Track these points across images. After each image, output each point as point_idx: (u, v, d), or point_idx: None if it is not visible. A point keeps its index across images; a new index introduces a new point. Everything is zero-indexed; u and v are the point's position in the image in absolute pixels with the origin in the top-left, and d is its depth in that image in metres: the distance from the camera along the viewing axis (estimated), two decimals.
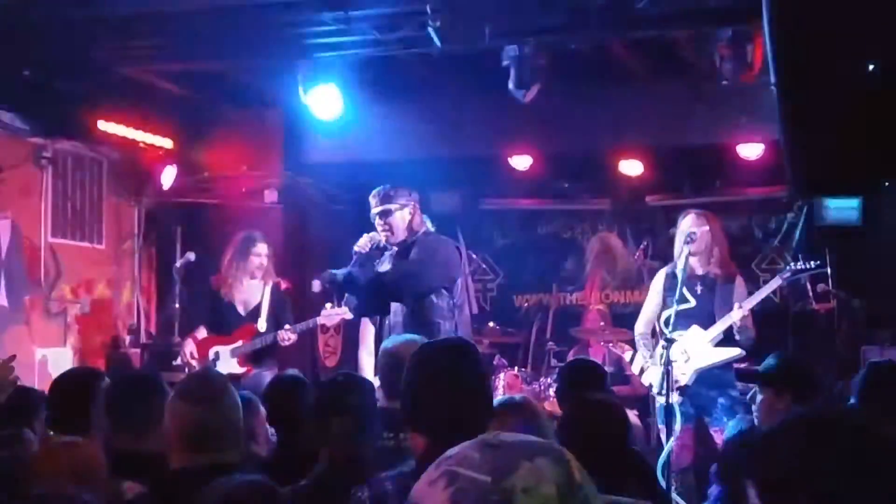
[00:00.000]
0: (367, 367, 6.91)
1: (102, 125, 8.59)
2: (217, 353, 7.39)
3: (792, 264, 6.79)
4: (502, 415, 3.41)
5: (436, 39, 6.86)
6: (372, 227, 6.55)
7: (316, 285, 6.77)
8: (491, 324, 9.14)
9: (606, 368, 7.61)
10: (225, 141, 9.48)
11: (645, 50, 7.97)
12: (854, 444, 1.74)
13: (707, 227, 6.61)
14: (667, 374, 6.26)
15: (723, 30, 6.84)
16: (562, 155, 9.54)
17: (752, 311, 6.53)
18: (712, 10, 6.54)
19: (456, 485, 1.39)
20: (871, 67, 7.30)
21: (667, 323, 6.50)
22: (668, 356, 6.33)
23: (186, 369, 7.37)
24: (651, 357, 6.72)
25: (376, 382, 4.60)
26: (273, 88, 8.93)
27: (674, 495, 5.74)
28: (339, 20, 6.90)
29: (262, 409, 4.88)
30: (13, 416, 4.62)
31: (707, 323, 6.51)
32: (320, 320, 7.42)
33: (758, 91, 7.44)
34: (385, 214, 6.39)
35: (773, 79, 7.33)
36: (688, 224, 6.63)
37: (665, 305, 6.70)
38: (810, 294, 9.00)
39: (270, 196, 9.47)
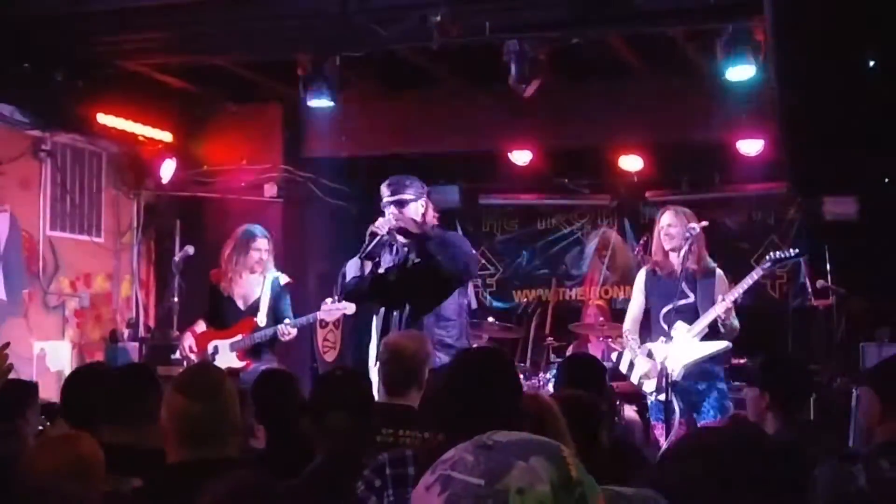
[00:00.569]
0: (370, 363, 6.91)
1: (101, 118, 8.59)
2: (216, 347, 7.39)
3: (771, 254, 6.78)
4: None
5: (436, 33, 6.85)
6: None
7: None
8: (490, 319, 9.12)
9: (605, 364, 7.63)
10: (224, 135, 9.48)
11: (645, 45, 7.96)
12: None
13: (684, 225, 6.60)
14: (664, 369, 6.27)
15: (723, 25, 6.83)
16: (562, 150, 9.54)
17: (737, 304, 6.52)
18: (712, 6, 6.53)
19: (450, 490, 1.39)
20: (870, 64, 7.31)
21: (666, 319, 6.51)
22: (665, 354, 6.34)
23: (185, 363, 7.37)
24: (637, 354, 6.73)
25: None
26: (272, 82, 8.92)
27: None
28: (339, 14, 6.88)
29: None
30: (5, 408, 4.60)
31: (691, 318, 6.51)
32: (320, 315, 7.41)
33: (758, 87, 7.44)
34: (401, 204, 6.23)
35: (772, 75, 7.34)
36: (666, 220, 6.64)
37: (648, 303, 6.72)
38: (809, 290, 9.00)
39: (270, 190, 9.46)
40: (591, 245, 10.37)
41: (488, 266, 10.56)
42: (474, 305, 8.08)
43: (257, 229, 7.57)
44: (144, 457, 3.44)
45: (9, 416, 4.44)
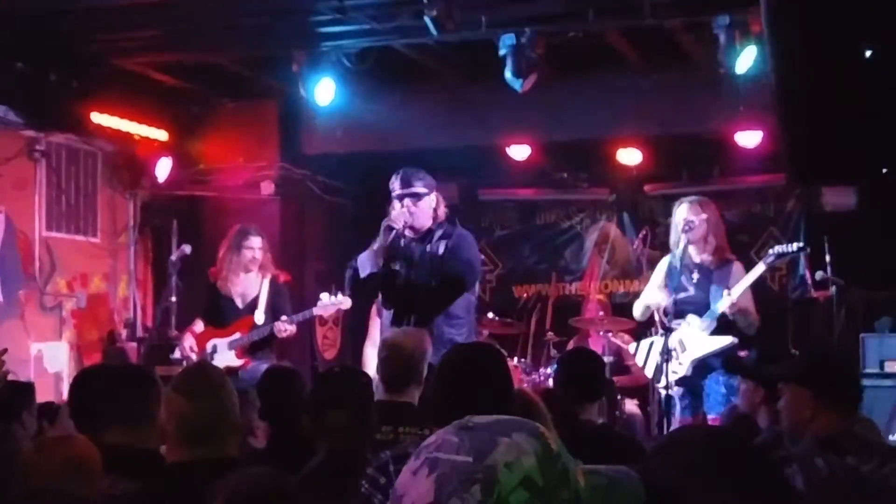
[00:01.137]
0: (372, 360, 6.88)
1: (96, 117, 8.55)
2: (215, 346, 7.38)
3: (775, 248, 6.74)
4: None
5: (432, 28, 6.83)
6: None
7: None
8: (490, 314, 9.09)
9: (606, 358, 7.62)
10: (220, 133, 9.45)
11: (642, 38, 7.93)
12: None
13: (704, 216, 6.57)
14: (665, 363, 6.24)
15: (720, 17, 6.81)
16: (560, 144, 9.51)
17: (754, 297, 6.47)
18: None
19: (438, 470, 1.42)
20: (868, 53, 7.28)
21: (666, 312, 6.47)
22: (666, 346, 6.30)
23: (185, 363, 7.35)
24: (651, 343, 6.67)
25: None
26: (269, 79, 8.89)
27: None
28: (335, 10, 6.85)
29: (259, 402, 4.86)
30: (1, 410, 4.57)
31: (704, 311, 6.48)
32: (316, 311, 7.40)
33: (756, 79, 7.41)
34: (414, 197, 6.14)
35: (770, 66, 7.32)
36: (682, 213, 6.59)
37: (668, 294, 6.66)
38: (809, 282, 8.98)
39: (267, 188, 9.43)
40: (591, 239, 10.35)
41: (488, 262, 10.53)
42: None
43: (251, 228, 7.56)
44: (145, 457, 3.42)
45: (5, 419, 4.41)
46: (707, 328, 6.36)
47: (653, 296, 6.81)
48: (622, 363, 8.68)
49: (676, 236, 6.61)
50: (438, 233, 6.23)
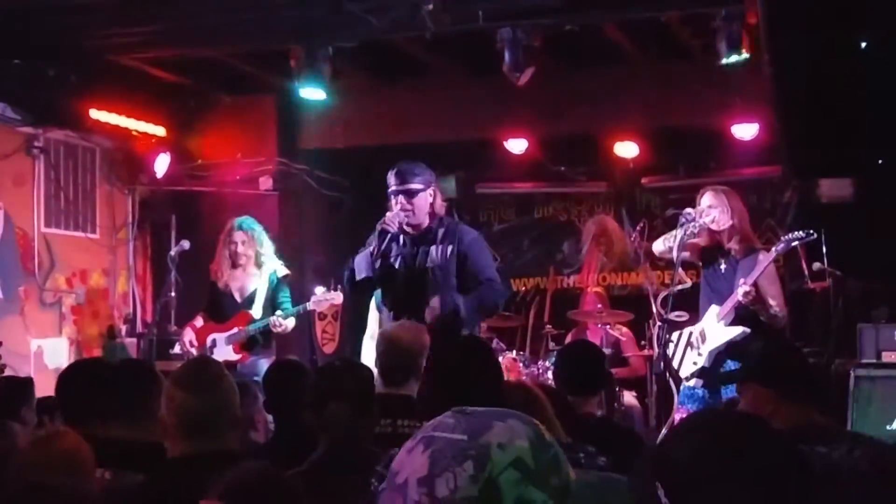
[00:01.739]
0: (370, 353, 6.88)
1: (94, 114, 8.56)
2: (213, 341, 7.41)
3: (788, 235, 6.69)
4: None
5: (429, 22, 6.83)
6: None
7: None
8: None
9: (604, 350, 7.64)
10: (219, 128, 9.45)
11: (639, 31, 7.94)
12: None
13: (725, 201, 6.46)
14: (664, 355, 6.24)
15: (717, 10, 6.81)
16: (557, 138, 9.52)
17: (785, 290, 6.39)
18: None
19: (434, 446, 1.47)
20: (863, 45, 7.30)
21: (664, 303, 6.46)
22: (665, 337, 6.30)
23: (185, 358, 7.37)
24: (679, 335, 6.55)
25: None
26: (266, 74, 8.89)
27: None
28: (331, 4, 6.86)
29: (260, 397, 4.88)
30: (1, 406, 4.59)
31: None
32: (311, 306, 7.41)
33: (752, 70, 7.42)
34: (410, 194, 5.92)
35: (766, 58, 7.33)
36: (706, 201, 6.49)
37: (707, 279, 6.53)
38: (806, 273, 9.00)
39: (265, 183, 9.44)
40: (589, 232, 10.36)
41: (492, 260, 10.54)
42: None
43: (238, 222, 7.53)
44: (145, 452, 3.44)
45: (3, 414, 4.42)
46: (726, 319, 6.32)
47: (661, 244, 6.63)
48: (620, 355, 8.70)
49: (698, 221, 6.41)
50: (440, 232, 6.03)
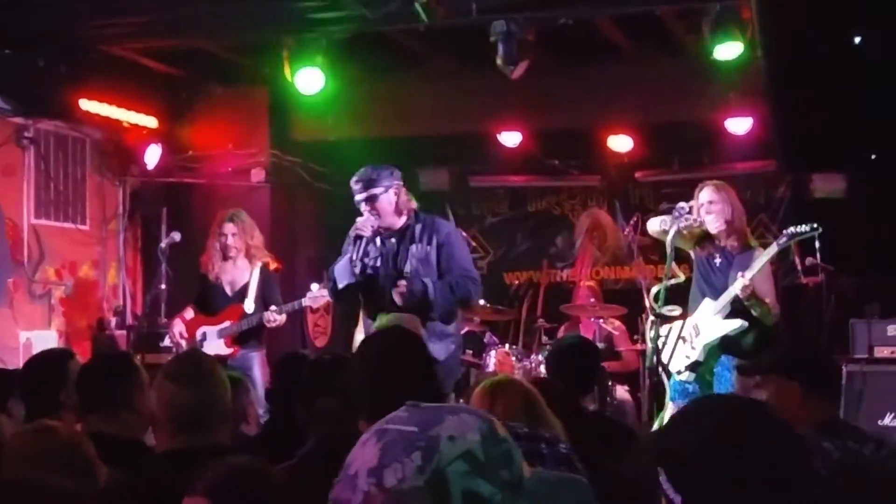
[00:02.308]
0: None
1: (85, 104, 8.51)
2: (204, 334, 7.38)
3: (790, 229, 6.67)
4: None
5: (423, 15, 6.80)
6: (358, 207, 6.35)
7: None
8: (481, 301, 9.10)
9: (597, 344, 7.62)
10: (210, 119, 9.41)
11: (633, 25, 7.93)
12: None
13: (725, 197, 6.44)
14: (656, 350, 6.22)
15: (711, 4, 6.80)
16: (551, 131, 9.51)
17: (778, 289, 6.39)
18: None
19: (385, 438, 1.50)
20: (856, 40, 7.30)
21: (656, 298, 6.44)
22: (656, 332, 6.28)
23: (175, 350, 7.35)
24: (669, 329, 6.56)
25: None
26: (259, 66, 8.86)
27: None
28: None
29: (252, 390, 4.86)
30: None
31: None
32: (306, 302, 7.39)
33: (746, 66, 7.42)
34: (371, 200, 6.02)
35: (760, 53, 7.33)
36: (706, 196, 6.46)
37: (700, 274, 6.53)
38: (799, 268, 9.00)
39: (257, 175, 9.40)
40: (582, 226, 10.36)
41: (479, 249, 10.53)
42: None
43: (230, 214, 7.51)
44: (127, 446, 3.41)
45: None
46: (721, 312, 6.30)
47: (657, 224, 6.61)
48: (613, 349, 8.70)
49: (697, 217, 6.38)
50: (418, 228, 6.08)
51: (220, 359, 6.74)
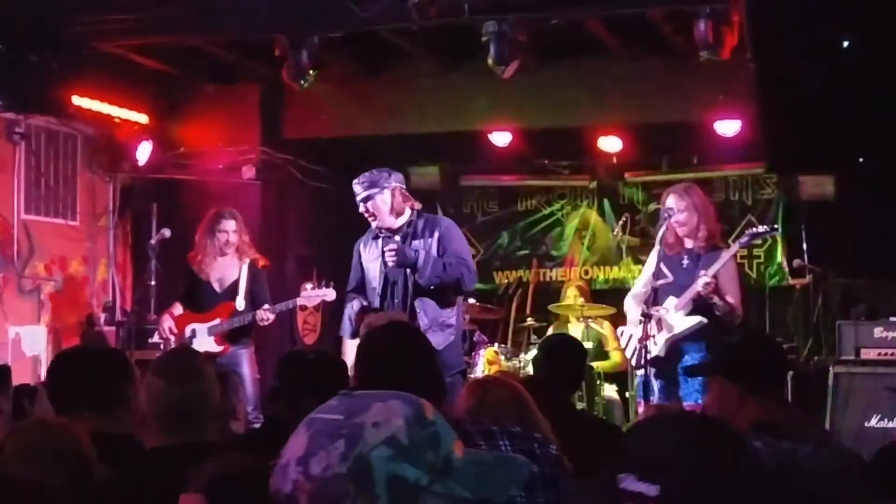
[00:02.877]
0: (351, 346, 6.89)
1: (77, 100, 8.50)
2: (193, 331, 7.37)
3: (751, 229, 6.76)
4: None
5: (415, 14, 6.82)
6: (355, 206, 6.46)
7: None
8: (471, 299, 9.12)
9: (585, 344, 7.65)
10: (202, 116, 9.40)
11: (623, 26, 7.95)
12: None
13: (687, 201, 6.54)
14: (644, 348, 6.26)
15: (701, 6, 6.83)
16: (542, 131, 9.52)
17: (743, 290, 6.47)
18: None
19: (313, 428, 1.55)
20: (845, 44, 7.34)
21: (646, 298, 6.49)
22: (645, 331, 6.32)
23: (164, 345, 7.35)
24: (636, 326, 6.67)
25: None
26: (250, 63, 8.86)
27: None
28: None
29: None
30: None
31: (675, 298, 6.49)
32: (300, 301, 7.40)
33: (735, 67, 7.45)
34: (367, 200, 6.28)
35: (749, 55, 7.36)
36: (670, 203, 6.57)
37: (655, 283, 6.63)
38: (786, 269, 9.05)
39: (248, 172, 9.40)
40: (571, 226, 10.38)
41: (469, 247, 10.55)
42: None
43: (225, 212, 7.53)
44: (120, 443, 3.42)
45: None
46: (684, 309, 6.36)
47: (642, 284, 6.77)
48: (602, 349, 8.72)
49: (670, 228, 6.54)
50: (420, 224, 6.33)
51: (210, 356, 6.75)
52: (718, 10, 6.75)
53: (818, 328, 8.55)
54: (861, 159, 8.83)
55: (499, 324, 9.66)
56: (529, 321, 9.24)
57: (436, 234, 6.26)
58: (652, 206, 9.42)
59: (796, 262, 8.51)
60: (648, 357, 6.25)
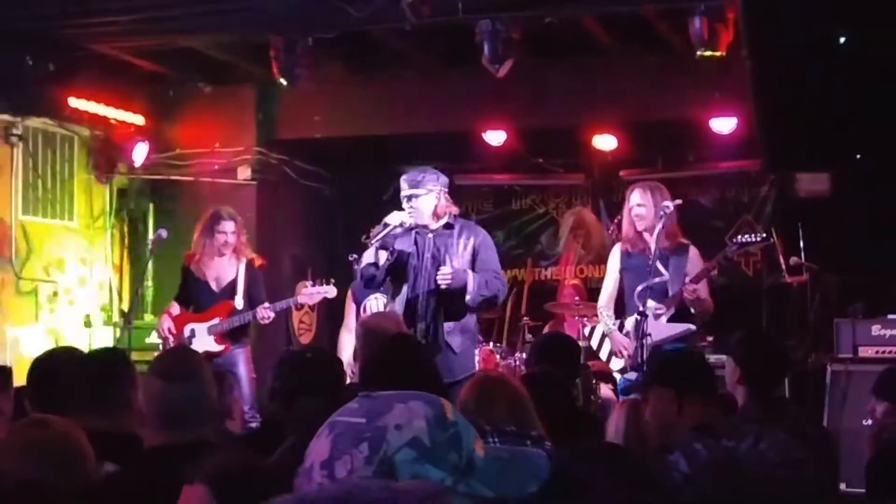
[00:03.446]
0: (347, 345, 6.90)
1: (73, 102, 8.51)
2: (193, 331, 7.37)
3: (738, 237, 6.81)
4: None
5: (408, 13, 6.82)
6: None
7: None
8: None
9: (581, 343, 7.66)
10: (197, 117, 9.41)
11: (618, 24, 7.96)
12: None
13: (651, 200, 6.59)
14: (641, 347, 6.27)
15: (695, 3, 6.84)
16: (536, 130, 9.53)
17: (716, 283, 6.54)
18: None
19: (336, 431, 1.55)
20: (841, 40, 7.34)
21: (640, 297, 6.52)
22: (643, 330, 6.34)
23: (163, 345, 7.35)
24: (612, 330, 6.74)
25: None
26: (246, 64, 8.87)
27: None
28: None
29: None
30: None
31: (662, 297, 6.53)
32: (301, 299, 7.40)
33: (730, 65, 7.45)
34: (411, 198, 6.26)
35: (745, 52, 7.36)
36: (635, 199, 6.63)
37: (622, 282, 6.72)
38: (783, 267, 9.05)
39: (243, 173, 9.41)
40: (566, 225, 10.38)
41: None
42: None
43: (224, 212, 7.53)
44: (123, 441, 3.43)
45: None
46: (665, 315, 6.42)
47: (611, 285, 6.87)
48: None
49: (629, 222, 6.67)
50: (457, 227, 6.34)
51: (210, 355, 6.76)
52: (713, 6, 6.76)
53: (815, 326, 8.54)
54: (857, 156, 8.83)
55: (494, 323, 9.66)
56: (525, 320, 9.24)
57: (472, 242, 6.28)
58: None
59: (793, 260, 8.50)
60: (631, 360, 6.30)
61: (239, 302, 7.35)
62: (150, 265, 8.13)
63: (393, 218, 6.24)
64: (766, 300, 9.44)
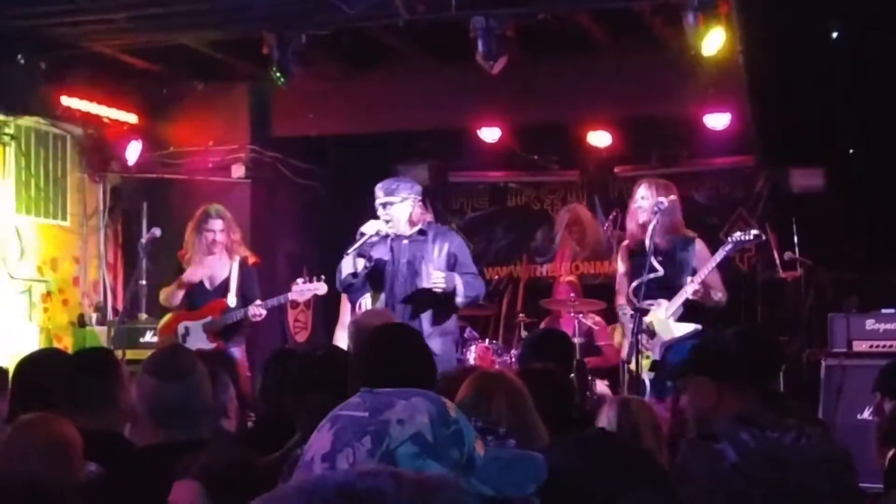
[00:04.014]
0: (342, 343, 6.90)
1: (66, 101, 8.50)
2: (186, 329, 7.36)
3: (734, 235, 6.82)
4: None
5: (402, 10, 6.82)
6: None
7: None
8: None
9: (577, 340, 7.67)
10: (190, 115, 9.40)
11: (612, 20, 7.96)
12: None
13: (673, 196, 6.60)
14: (636, 343, 6.28)
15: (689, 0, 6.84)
16: (531, 126, 9.53)
17: (723, 275, 6.55)
18: None
19: (338, 425, 1.57)
20: (834, 36, 7.35)
21: (636, 292, 6.52)
22: (637, 326, 6.34)
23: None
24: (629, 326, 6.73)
25: None
26: (239, 62, 8.85)
27: None
28: None
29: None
30: None
31: (671, 293, 6.54)
32: (292, 296, 7.40)
33: (725, 61, 7.45)
34: (386, 206, 6.44)
35: (739, 48, 7.36)
36: (640, 193, 6.64)
37: (634, 276, 6.72)
38: (777, 262, 9.05)
39: (237, 171, 9.40)
40: (561, 221, 10.38)
41: None
42: None
43: (212, 210, 7.52)
44: (109, 441, 3.41)
45: None
46: (674, 314, 6.43)
47: (625, 281, 6.87)
48: (593, 344, 8.73)
49: (633, 217, 6.67)
50: (430, 234, 6.51)
51: (204, 354, 6.74)
52: (707, 2, 6.76)
53: (810, 321, 8.54)
54: (851, 151, 8.84)
55: (489, 320, 9.66)
56: (520, 317, 9.24)
57: (447, 247, 6.47)
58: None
59: (787, 255, 8.50)
60: (647, 361, 6.30)
61: (232, 300, 7.35)
62: (143, 264, 8.10)
63: (369, 227, 6.43)
64: (761, 295, 9.44)
